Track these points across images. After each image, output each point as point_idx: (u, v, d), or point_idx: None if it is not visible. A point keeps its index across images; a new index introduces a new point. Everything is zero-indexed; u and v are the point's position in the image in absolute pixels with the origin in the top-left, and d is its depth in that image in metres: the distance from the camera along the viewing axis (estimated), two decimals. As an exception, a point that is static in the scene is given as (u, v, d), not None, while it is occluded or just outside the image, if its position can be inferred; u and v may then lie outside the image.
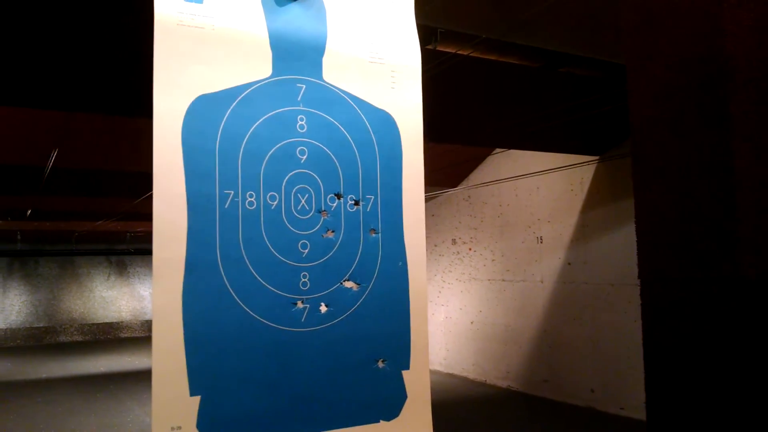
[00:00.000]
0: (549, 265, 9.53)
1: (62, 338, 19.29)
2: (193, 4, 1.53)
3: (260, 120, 1.58)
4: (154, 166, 1.43)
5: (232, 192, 1.52)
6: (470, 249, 11.22)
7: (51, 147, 7.81)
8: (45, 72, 4.73)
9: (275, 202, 1.58)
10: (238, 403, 1.48)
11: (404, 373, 1.71)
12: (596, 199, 8.79)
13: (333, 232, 1.65)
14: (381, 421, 1.66)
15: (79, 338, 19.50)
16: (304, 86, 1.64)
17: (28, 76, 4.73)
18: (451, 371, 11.66)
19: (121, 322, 20.23)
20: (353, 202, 1.69)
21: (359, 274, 1.67)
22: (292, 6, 1.66)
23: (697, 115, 1.30)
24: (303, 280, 1.59)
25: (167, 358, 1.41)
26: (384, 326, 1.69)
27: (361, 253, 1.68)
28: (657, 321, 1.36)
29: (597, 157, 8.61)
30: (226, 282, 1.49)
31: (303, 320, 1.58)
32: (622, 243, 8.26)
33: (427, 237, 1.81)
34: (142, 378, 12.25)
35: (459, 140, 8.08)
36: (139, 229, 17.66)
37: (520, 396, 9.88)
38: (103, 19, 4.68)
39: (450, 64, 5.94)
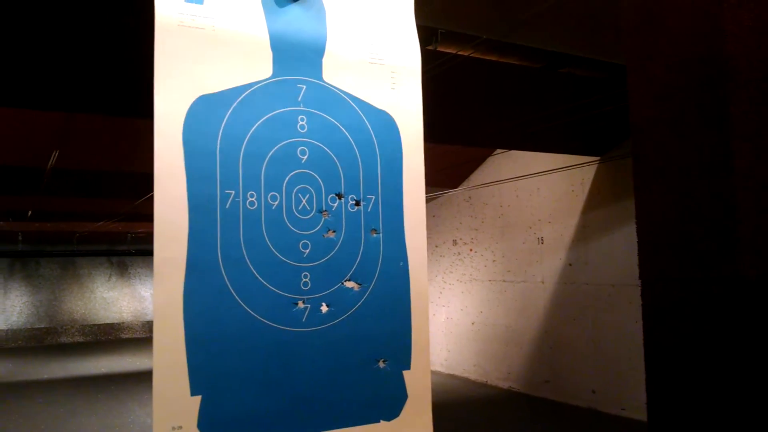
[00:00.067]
0: (550, 265, 9.53)
1: (63, 339, 19.29)
2: (194, 5, 1.53)
3: (261, 120, 1.58)
4: (155, 167, 1.44)
5: (233, 192, 1.52)
6: (471, 250, 11.22)
7: (52, 148, 7.81)
8: (45, 73, 4.73)
9: (276, 203, 1.58)
10: (239, 403, 1.49)
11: (405, 373, 1.71)
12: (597, 199, 8.78)
13: (334, 232, 1.65)
14: (381, 421, 1.67)
15: (81, 339, 19.50)
16: (305, 87, 1.64)
17: (29, 77, 4.74)
18: (452, 372, 11.66)
19: (122, 322, 20.23)
20: (354, 202, 1.69)
21: (360, 274, 1.67)
22: (292, 7, 1.67)
23: (697, 115, 1.30)
24: (304, 280, 1.60)
25: (168, 358, 1.41)
26: (385, 326, 1.69)
27: (362, 253, 1.68)
28: (658, 321, 1.36)
29: (598, 158, 8.61)
30: (227, 282, 1.50)
31: (304, 320, 1.59)
32: (622, 244, 8.25)
33: (428, 238, 1.81)
34: (143, 379, 12.25)
35: (460, 141, 8.08)
36: (140, 230, 17.66)
37: (521, 397, 9.87)
38: (104, 20, 4.69)
39: (450, 64, 5.94)
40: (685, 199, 1.32)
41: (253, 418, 1.50)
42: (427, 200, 11.06)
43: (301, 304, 1.59)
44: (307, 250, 1.61)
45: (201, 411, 1.43)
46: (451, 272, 11.69)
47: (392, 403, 1.68)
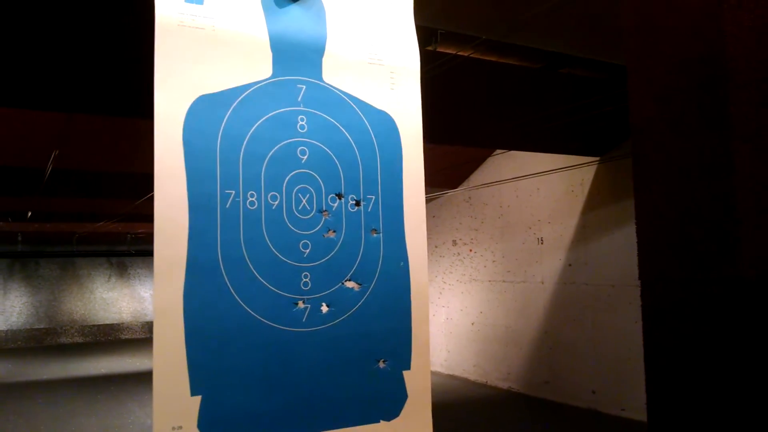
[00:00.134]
0: (550, 266, 9.53)
1: (63, 340, 19.29)
2: (194, 5, 1.53)
3: (261, 120, 1.58)
4: (155, 167, 1.44)
5: (233, 192, 1.52)
6: (471, 250, 11.22)
7: (51, 148, 7.81)
8: (45, 73, 4.73)
9: (276, 202, 1.58)
10: (239, 403, 1.49)
11: (405, 373, 1.71)
12: (597, 200, 8.79)
13: (334, 232, 1.65)
14: (381, 421, 1.67)
15: (80, 340, 19.50)
16: (304, 87, 1.65)
17: (29, 77, 4.74)
18: (451, 372, 11.66)
19: (122, 323, 20.24)
20: (354, 202, 1.69)
21: (360, 275, 1.67)
22: (292, 7, 1.67)
23: (697, 115, 1.30)
24: (304, 280, 1.60)
25: (168, 358, 1.41)
26: (385, 326, 1.69)
27: (362, 253, 1.68)
28: (658, 322, 1.36)
29: (597, 158, 8.61)
30: (228, 282, 1.50)
31: (304, 320, 1.59)
32: (622, 244, 8.26)
33: (427, 238, 1.81)
34: (143, 379, 12.25)
35: (459, 141, 8.08)
36: (139, 231, 17.67)
37: (521, 397, 9.87)
38: (103, 20, 4.69)
39: (450, 65, 5.94)
40: (685, 200, 1.32)
41: (253, 418, 1.50)
42: (427, 201, 11.06)
43: (301, 304, 1.59)
44: (308, 250, 1.61)
45: (201, 411, 1.43)
46: (451, 272, 11.69)
47: (392, 403, 1.69)
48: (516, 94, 7.06)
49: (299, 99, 1.64)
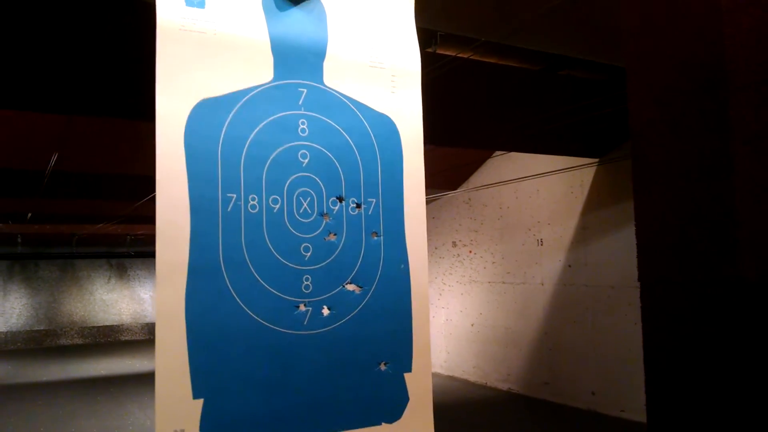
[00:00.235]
0: (549, 267, 9.53)
1: (63, 341, 19.28)
2: (195, 9, 1.54)
3: (262, 124, 1.58)
4: (157, 170, 1.44)
5: (235, 195, 1.53)
6: (470, 251, 11.22)
7: (51, 150, 7.81)
8: (46, 75, 4.73)
9: (277, 206, 1.58)
10: (241, 406, 1.49)
11: (406, 375, 1.71)
12: (596, 201, 8.79)
13: (335, 235, 1.66)
14: (383, 423, 1.67)
15: (80, 341, 19.49)
16: (306, 90, 1.65)
17: (29, 79, 4.74)
18: (451, 374, 11.66)
19: (122, 324, 20.23)
20: (355, 205, 1.69)
21: (361, 277, 1.68)
22: (293, 11, 1.67)
23: (697, 117, 1.31)
24: (305, 283, 1.60)
25: (170, 361, 1.41)
26: (386, 329, 1.70)
27: (363, 256, 1.69)
28: (657, 323, 1.37)
29: (597, 160, 8.62)
30: (229, 285, 1.50)
31: (305, 323, 1.59)
32: (622, 245, 8.26)
33: (427, 240, 1.82)
34: (142, 381, 12.24)
35: (459, 143, 8.08)
36: (139, 232, 17.65)
37: (521, 398, 9.87)
38: (104, 22, 4.69)
39: (450, 67, 5.95)
40: (684, 201, 1.32)
41: (255, 421, 1.50)
42: (427, 202, 11.05)
43: (302, 307, 1.59)
44: (309, 253, 1.62)
45: (203, 414, 1.44)
46: (451, 274, 11.69)
47: (394, 406, 1.69)
48: (516, 95, 7.06)
49: (300, 102, 1.64)
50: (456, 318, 11.54)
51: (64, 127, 7.48)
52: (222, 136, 1.53)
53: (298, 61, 1.65)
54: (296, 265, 1.60)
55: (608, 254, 8.52)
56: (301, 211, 1.62)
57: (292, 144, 1.62)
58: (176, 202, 1.45)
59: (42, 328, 19.16)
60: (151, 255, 19.61)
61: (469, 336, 11.25)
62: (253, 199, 1.55)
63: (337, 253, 1.66)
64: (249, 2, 1.62)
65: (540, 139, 7.75)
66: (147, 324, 20.32)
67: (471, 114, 6.97)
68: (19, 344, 18.67)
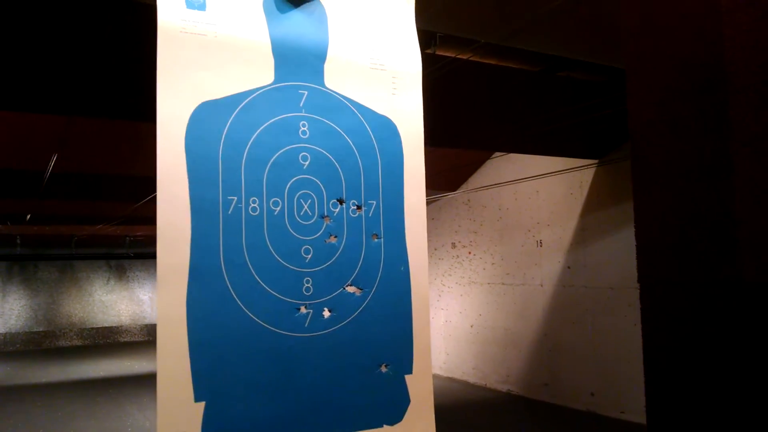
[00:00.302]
0: (549, 268, 9.53)
1: (62, 342, 19.26)
2: (196, 11, 1.54)
3: (263, 126, 1.59)
4: (158, 172, 1.44)
5: (236, 198, 1.53)
6: (470, 253, 11.22)
7: (51, 151, 7.81)
8: (46, 76, 4.73)
9: (278, 208, 1.59)
10: (243, 408, 1.49)
11: (407, 377, 1.72)
12: (596, 202, 8.79)
13: (335, 237, 1.66)
14: (384, 425, 1.67)
15: (79, 342, 19.47)
16: (306, 92, 1.65)
17: (29, 80, 4.74)
18: (451, 375, 11.65)
19: (121, 326, 20.21)
20: (355, 207, 1.69)
21: (362, 279, 1.68)
22: (294, 13, 1.67)
23: (696, 118, 1.31)
24: (306, 285, 1.60)
25: (172, 363, 1.41)
26: (387, 331, 1.70)
27: (363, 258, 1.69)
28: (657, 324, 1.37)
29: (596, 161, 8.62)
30: (230, 287, 1.50)
31: (306, 325, 1.59)
32: (621, 246, 8.26)
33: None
34: (142, 382, 12.23)
35: (459, 144, 8.08)
36: (138, 233, 17.64)
37: (521, 400, 9.86)
38: (105, 24, 4.69)
39: (449, 68, 5.95)
40: (684, 202, 1.32)
41: (256, 423, 1.50)
42: (426, 203, 11.07)
43: (303, 309, 1.59)
44: (309, 256, 1.62)
45: (205, 417, 1.44)
46: (450, 275, 11.69)
47: (395, 408, 1.69)
48: (515, 96, 7.07)
49: (301, 104, 1.64)
50: (455, 319, 11.54)
51: (64, 128, 7.48)
52: (223, 138, 1.53)
53: (298, 63, 1.65)
54: (297, 267, 1.60)
55: (608, 255, 8.52)
56: (301, 213, 1.62)
57: (293, 146, 1.62)
58: (177, 205, 1.45)
59: (41, 329, 19.14)
60: (151, 256, 19.60)
61: (468, 337, 11.25)
62: (254, 202, 1.55)
63: (337, 255, 1.66)
64: (250, 4, 1.62)
65: (539, 140, 7.75)
66: (146, 325, 20.30)
67: (470, 115, 6.98)
68: (18, 345, 18.65)
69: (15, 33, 4.45)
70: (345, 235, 1.67)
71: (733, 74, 1.27)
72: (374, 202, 1.72)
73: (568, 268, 9.19)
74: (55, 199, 10.34)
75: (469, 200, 11.29)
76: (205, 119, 1.51)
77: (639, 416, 7.66)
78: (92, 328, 19.83)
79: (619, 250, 8.29)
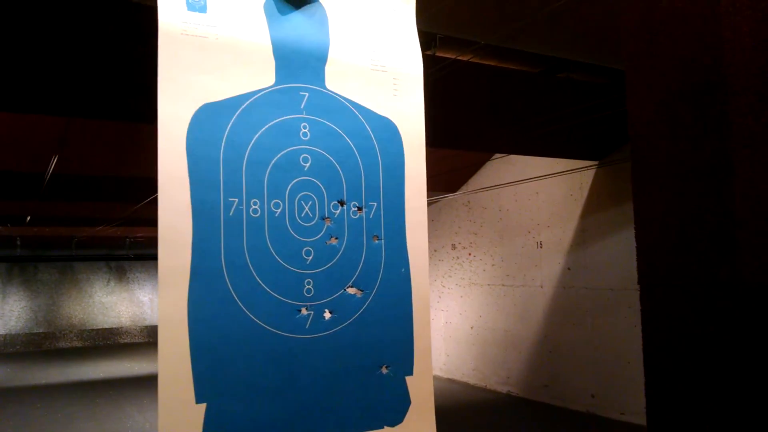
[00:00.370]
0: (549, 270, 9.53)
1: (62, 344, 19.26)
2: (197, 13, 1.54)
3: (264, 128, 1.59)
4: (159, 174, 1.44)
5: (237, 200, 1.53)
6: (470, 254, 11.22)
7: (51, 152, 7.82)
8: (46, 78, 4.74)
9: (279, 210, 1.59)
10: (244, 410, 1.49)
11: (408, 379, 1.72)
12: (596, 203, 8.79)
13: (336, 238, 1.66)
14: (385, 427, 1.67)
15: (79, 344, 19.46)
16: (307, 94, 1.66)
17: (30, 81, 4.74)
18: (451, 376, 11.65)
19: (121, 327, 20.20)
20: (356, 208, 1.70)
21: (363, 281, 1.68)
22: (295, 15, 1.68)
23: (696, 120, 1.31)
24: (307, 286, 1.61)
25: (173, 365, 1.42)
26: (387, 332, 1.70)
27: (364, 259, 1.69)
28: (657, 326, 1.37)
29: (596, 162, 8.62)
30: (231, 289, 1.50)
31: (307, 327, 1.59)
32: (621, 248, 8.26)
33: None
34: (142, 384, 12.23)
35: (459, 146, 8.08)
36: (139, 235, 17.64)
37: (521, 401, 9.86)
38: (106, 26, 4.69)
39: (450, 69, 5.96)
40: (684, 204, 1.33)
41: (258, 424, 1.50)
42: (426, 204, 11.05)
43: (304, 311, 1.59)
44: (310, 257, 1.62)
45: (206, 418, 1.44)
46: (450, 276, 11.69)
47: (396, 409, 1.69)
48: (516, 98, 7.07)
49: (302, 106, 1.64)
50: (455, 321, 11.54)
51: (65, 130, 7.49)
52: (224, 140, 1.53)
53: (299, 64, 1.65)
54: (298, 268, 1.60)
55: (608, 257, 8.52)
56: (302, 214, 1.62)
57: (294, 148, 1.62)
58: (178, 207, 1.46)
59: (41, 330, 19.13)
60: (151, 258, 19.60)
61: (468, 339, 11.25)
62: (255, 203, 1.56)
63: (338, 256, 1.66)
64: (250, 7, 1.62)
65: (540, 142, 7.75)
66: (146, 327, 20.30)
67: (470, 116, 6.98)
68: (18, 347, 18.64)
69: (16, 35, 4.45)
70: (346, 237, 1.67)
71: (733, 76, 1.27)
72: (375, 204, 1.72)
73: (568, 269, 9.19)
74: (55, 200, 10.35)
75: (469, 202, 11.29)
76: (206, 121, 1.51)
77: (639, 418, 7.66)
78: (92, 330, 19.82)
79: (619, 251, 8.29)
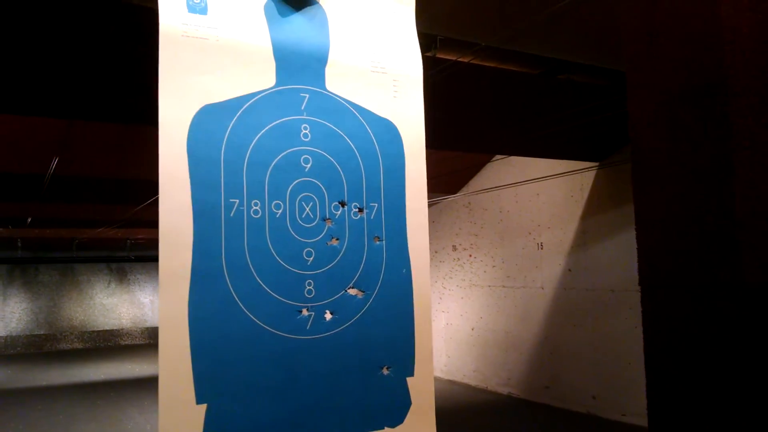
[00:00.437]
0: (549, 271, 9.53)
1: (63, 345, 19.26)
2: (198, 15, 1.54)
3: (265, 129, 1.59)
4: (160, 176, 1.45)
5: (238, 200, 1.53)
6: (471, 255, 11.22)
7: (52, 154, 7.82)
8: (47, 80, 4.74)
9: (280, 211, 1.59)
10: (245, 411, 1.49)
11: (409, 380, 1.72)
12: (596, 205, 8.79)
13: (337, 239, 1.66)
14: (385, 428, 1.67)
15: (80, 345, 19.47)
16: (308, 95, 1.66)
17: (30, 84, 4.75)
18: (452, 378, 11.65)
19: (122, 329, 20.21)
20: (357, 209, 1.70)
21: (364, 282, 1.68)
22: (295, 17, 1.68)
23: (697, 121, 1.32)
24: (308, 287, 1.61)
25: (173, 366, 1.42)
26: (388, 333, 1.70)
27: (365, 260, 1.69)
28: (658, 327, 1.37)
29: (597, 163, 8.63)
30: (232, 290, 1.50)
31: (308, 328, 1.59)
32: (622, 249, 8.26)
33: (428, 244, 1.82)
34: (143, 385, 12.23)
35: (460, 147, 8.09)
36: (139, 236, 17.66)
37: (521, 403, 9.86)
38: (106, 27, 4.70)
39: (450, 71, 5.96)
40: (685, 205, 1.33)
41: (258, 425, 1.50)
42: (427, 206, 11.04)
43: (305, 312, 1.60)
44: (311, 258, 1.62)
45: (207, 419, 1.44)
46: (451, 278, 11.69)
47: (396, 410, 1.69)
48: (516, 99, 7.07)
49: (302, 108, 1.65)
50: (456, 322, 11.54)
51: (65, 131, 7.49)
52: (225, 141, 1.53)
53: (300, 66, 1.66)
54: (299, 269, 1.60)
55: (609, 258, 8.52)
56: (303, 215, 1.62)
57: (295, 149, 1.63)
58: (179, 208, 1.46)
59: (42, 332, 19.14)
60: (152, 259, 19.60)
61: (469, 340, 11.25)
62: (256, 204, 1.56)
63: (339, 257, 1.66)
64: (251, 8, 1.62)
65: (540, 143, 7.76)
66: (147, 328, 20.30)
67: (471, 118, 6.98)
68: (18, 349, 18.65)
69: (17, 37, 4.46)
70: (347, 238, 1.68)
71: (733, 77, 1.27)
72: (376, 205, 1.72)
73: (569, 270, 9.19)
74: (56, 202, 10.35)
75: (469, 203, 11.29)
76: (207, 122, 1.51)
77: (640, 419, 7.65)
78: (93, 331, 19.83)
79: (620, 252, 8.29)
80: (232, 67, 1.56)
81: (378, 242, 1.72)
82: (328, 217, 1.65)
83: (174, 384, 1.41)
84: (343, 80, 1.71)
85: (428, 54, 5.87)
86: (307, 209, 1.63)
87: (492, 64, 6.82)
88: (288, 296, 1.57)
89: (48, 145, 7.71)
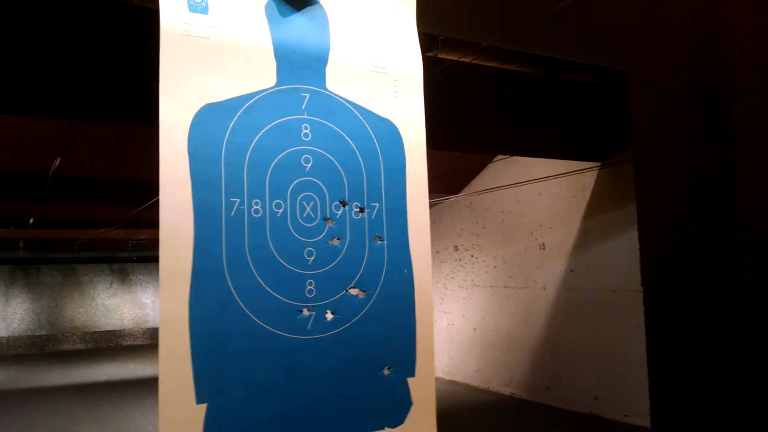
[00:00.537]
0: (551, 271, 9.52)
1: (64, 346, 19.28)
2: (199, 14, 1.54)
3: (265, 128, 1.59)
4: (161, 175, 1.45)
5: (238, 200, 1.53)
6: (472, 256, 11.22)
7: (54, 155, 7.83)
8: (48, 80, 4.75)
9: (281, 210, 1.59)
10: (245, 410, 1.49)
11: (409, 380, 1.71)
12: (598, 205, 8.78)
13: (338, 239, 1.66)
14: (386, 428, 1.67)
15: (81, 346, 19.49)
16: (308, 95, 1.66)
17: (31, 84, 4.75)
18: (453, 378, 11.64)
19: (123, 329, 20.23)
20: (358, 209, 1.70)
21: (365, 282, 1.68)
22: (296, 17, 1.68)
23: (699, 121, 1.31)
24: (309, 287, 1.60)
25: (174, 366, 1.41)
26: (389, 334, 1.70)
27: (366, 260, 1.69)
28: (660, 327, 1.37)
29: (599, 164, 8.62)
30: (233, 290, 1.50)
31: (309, 327, 1.59)
32: (624, 249, 8.25)
33: (429, 244, 1.82)
34: (144, 386, 12.23)
35: (461, 147, 8.08)
36: (141, 237, 17.67)
37: (523, 403, 9.85)
38: (107, 27, 4.70)
39: (451, 71, 5.96)
40: (686, 205, 1.32)
41: (258, 425, 1.50)
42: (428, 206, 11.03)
43: (306, 312, 1.59)
44: (312, 258, 1.62)
45: (207, 419, 1.44)
46: (453, 278, 11.68)
47: (397, 410, 1.69)
48: (517, 99, 7.07)
49: (303, 107, 1.65)
50: (458, 322, 11.53)
51: (67, 132, 7.50)
52: (225, 140, 1.53)
53: (300, 66, 1.66)
54: (300, 269, 1.60)
55: (611, 258, 8.51)
56: (304, 215, 1.62)
57: (296, 148, 1.63)
58: (180, 207, 1.46)
59: (44, 333, 19.16)
60: (153, 260, 19.60)
61: (471, 340, 11.24)
62: (257, 204, 1.56)
63: (340, 257, 1.66)
64: (252, 8, 1.62)
65: (542, 143, 7.75)
66: (149, 329, 20.32)
67: (472, 118, 6.98)
68: (20, 349, 18.67)
69: (17, 37, 4.46)
70: (348, 238, 1.67)
71: (735, 78, 1.27)
72: (377, 205, 1.72)
73: (571, 271, 9.18)
74: (57, 202, 10.36)
75: (471, 203, 11.29)
76: (208, 122, 1.51)
77: (643, 419, 7.65)
78: (95, 332, 19.84)
79: (622, 252, 8.28)
80: (233, 66, 1.56)
81: (379, 242, 1.71)
82: (329, 216, 1.65)
83: (174, 383, 1.41)
84: (343, 80, 1.71)
85: (430, 54, 5.87)
86: (308, 209, 1.62)
87: (493, 64, 6.82)
88: (289, 296, 1.57)
89: (48, 146, 7.72)
